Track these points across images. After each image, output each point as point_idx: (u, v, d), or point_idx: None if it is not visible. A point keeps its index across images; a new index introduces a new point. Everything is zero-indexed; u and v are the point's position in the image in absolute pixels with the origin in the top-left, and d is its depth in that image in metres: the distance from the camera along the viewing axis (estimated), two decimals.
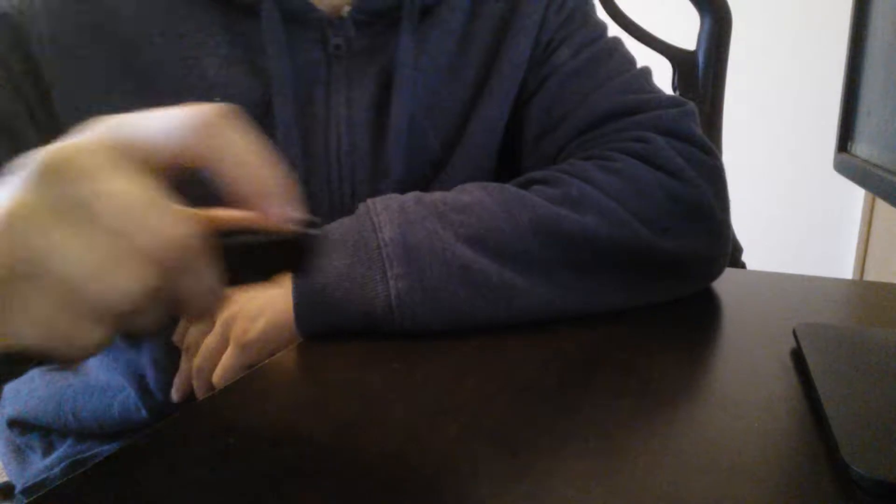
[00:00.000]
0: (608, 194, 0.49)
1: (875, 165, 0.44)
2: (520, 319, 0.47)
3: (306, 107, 0.54)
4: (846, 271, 2.04)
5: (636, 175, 0.51)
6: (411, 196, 0.49)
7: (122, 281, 0.23)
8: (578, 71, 0.60)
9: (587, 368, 0.42)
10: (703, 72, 0.86)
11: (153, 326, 0.26)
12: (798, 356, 0.42)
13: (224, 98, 0.51)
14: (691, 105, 0.58)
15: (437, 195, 0.49)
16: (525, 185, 0.51)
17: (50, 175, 0.23)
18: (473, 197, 0.48)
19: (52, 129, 0.50)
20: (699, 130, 0.57)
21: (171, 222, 0.24)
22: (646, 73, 0.61)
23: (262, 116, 0.52)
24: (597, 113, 0.57)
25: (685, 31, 0.92)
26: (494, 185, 0.50)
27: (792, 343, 0.45)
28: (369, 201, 0.48)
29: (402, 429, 0.35)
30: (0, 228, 0.23)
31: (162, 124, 0.26)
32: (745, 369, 0.42)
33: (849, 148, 0.50)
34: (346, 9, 0.54)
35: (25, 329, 0.24)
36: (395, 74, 0.56)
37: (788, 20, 1.95)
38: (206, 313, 0.28)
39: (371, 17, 0.55)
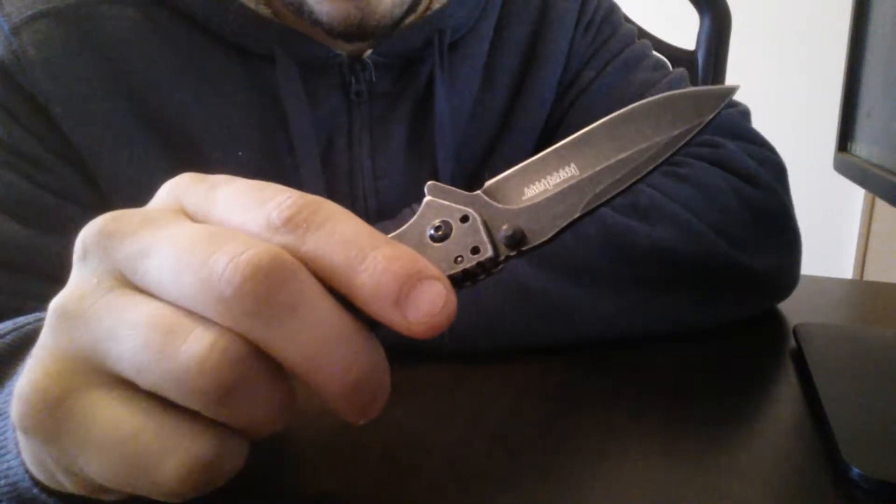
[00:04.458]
0: (680, 203, 0.45)
1: (875, 165, 0.44)
2: (581, 342, 0.43)
3: (327, 157, 0.51)
4: (846, 271, 2.04)
5: (708, 181, 0.46)
6: None
7: (189, 350, 0.19)
8: (611, 85, 0.55)
9: (586, 368, 0.42)
10: (703, 72, 0.86)
11: (275, 413, 0.20)
12: (798, 356, 0.42)
13: (247, 152, 0.48)
14: (744, 105, 0.55)
15: None
16: None
17: (100, 243, 0.21)
18: None
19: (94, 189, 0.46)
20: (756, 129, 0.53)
21: (246, 244, 0.19)
22: (684, 75, 0.57)
23: (289, 173, 0.49)
24: None
25: (685, 31, 0.92)
26: None
27: (792, 343, 0.45)
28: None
29: (403, 429, 0.35)
30: (58, 324, 0.21)
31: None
32: (746, 369, 0.42)
33: (849, 148, 0.50)
34: (368, 52, 0.50)
35: (95, 458, 0.20)
36: (431, 129, 0.52)
37: (788, 20, 1.94)
38: (351, 380, 0.20)
39: (393, 59, 0.51)
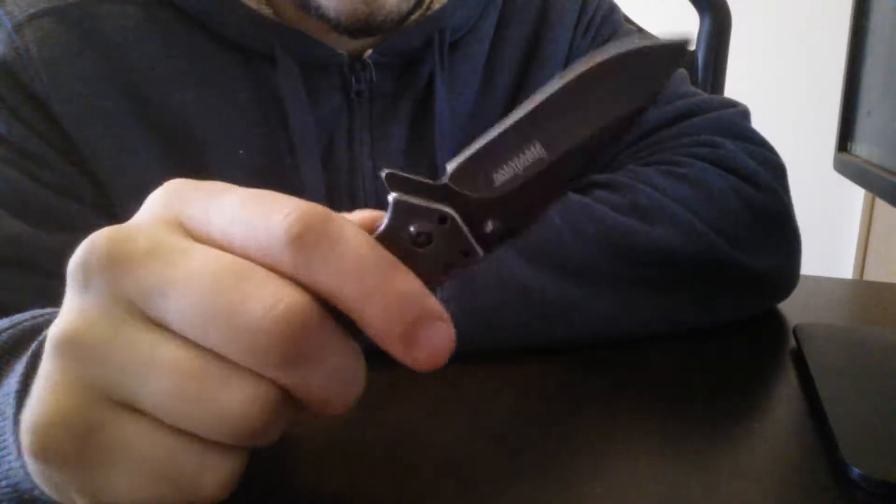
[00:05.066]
0: (680, 203, 0.44)
1: (875, 165, 0.44)
2: (581, 342, 0.43)
3: (327, 156, 0.51)
4: (846, 271, 2.03)
5: (707, 181, 0.46)
6: None
7: (229, 401, 0.20)
8: None
9: (586, 368, 0.42)
10: (703, 72, 0.86)
11: (284, 430, 0.22)
12: (798, 356, 0.42)
13: (248, 152, 0.48)
14: (744, 104, 0.55)
15: None
16: (585, 190, 0.46)
17: (106, 270, 0.20)
18: None
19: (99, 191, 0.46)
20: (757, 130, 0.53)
21: (276, 293, 0.20)
22: (684, 76, 0.57)
23: (289, 173, 0.49)
24: (646, 124, 0.52)
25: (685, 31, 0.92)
26: None
27: (792, 343, 0.45)
28: None
29: (403, 429, 0.35)
30: (68, 354, 0.20)
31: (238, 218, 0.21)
32: (746, 369, 0.42)
33: (849, 148, 0.50)
34: (368, 51, 0.50)
35: (129, 482, 0.20)
36: (431, 129, 0.52)
37: (788, 20, 1.94)
38: (348, 401, 0.22)
39: (393, 58, 0.51)
